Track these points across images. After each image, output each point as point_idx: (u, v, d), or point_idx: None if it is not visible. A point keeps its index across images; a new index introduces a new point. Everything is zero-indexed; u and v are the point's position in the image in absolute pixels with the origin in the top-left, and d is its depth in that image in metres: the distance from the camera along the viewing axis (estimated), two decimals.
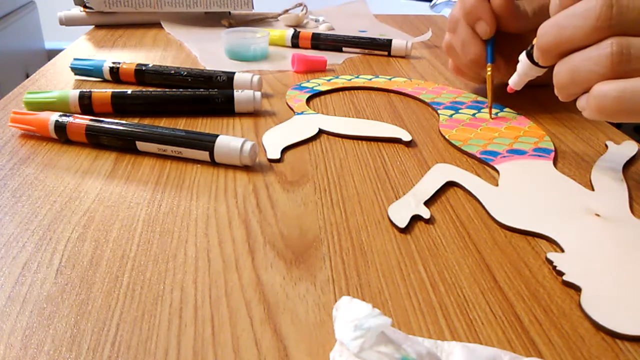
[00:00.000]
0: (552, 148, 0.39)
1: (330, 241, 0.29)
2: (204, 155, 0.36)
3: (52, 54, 0.65)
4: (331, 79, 0.52)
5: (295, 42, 0.63)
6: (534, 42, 0.35)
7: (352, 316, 0.20)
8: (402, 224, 0.30)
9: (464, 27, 0.44)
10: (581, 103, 0.31)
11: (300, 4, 0.75)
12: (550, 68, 0.34)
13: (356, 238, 0.29)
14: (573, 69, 0.31)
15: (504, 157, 0.37)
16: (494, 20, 0.42)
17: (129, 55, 0.60)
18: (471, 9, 0.43)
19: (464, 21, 0.44)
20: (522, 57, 0.38)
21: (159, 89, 0.45)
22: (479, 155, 0.38)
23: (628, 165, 0.37)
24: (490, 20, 0.42)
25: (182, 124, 0.42)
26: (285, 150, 0.38)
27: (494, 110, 0.45)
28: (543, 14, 0.39)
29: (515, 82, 0.40)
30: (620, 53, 0.28)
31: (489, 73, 0.44)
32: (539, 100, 0.48)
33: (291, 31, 0.63)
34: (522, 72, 0.38)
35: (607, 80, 0.29)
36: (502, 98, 0.48)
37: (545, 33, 0.32)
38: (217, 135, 0.36)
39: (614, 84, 0.29)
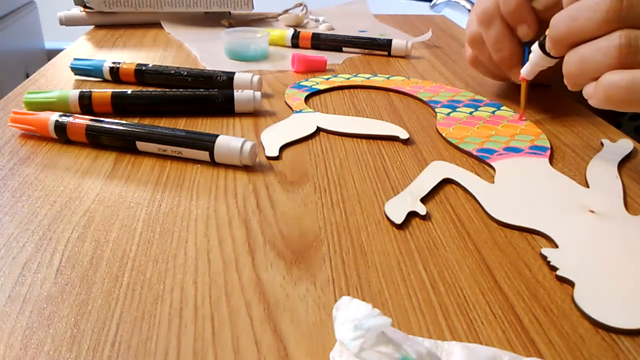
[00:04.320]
0: (548, 146, 0.39)
1: (330, 241, 0.29)
2: (204, 155, 0.36)
3: (52, 54, 0.65)
4: (329, 78, 0.52)
5: (295, 42, 0.63)
6: (547, 32, 0.36)
7: (352, 316, 0.20)
8: (399, 220, 0.30)
9: (500, 24, 0.42)
10: (588, 91, 0.32)
11: (300, 4, 0.75)
12: (554, 66, 0.34)
13: (356, 238, 0.29)
14: (582, 59, 0.32)
15: (500, 154, 0.38)
16: (536, 24, 0.41)
17: (129, 55, 0.60)
18: (514, 10, 0.41)
19: (501, 18, 0.42)
20: (535, 47, 0.39)
21: (159, 89, 0.45)
22: (475, 153, 0.38)
23: (623, 162, 0.38)
24: (533, 24, 0.41)
25: (182, 124, 0.42)
26: (284, 149, 0.38)
27: (490, 109, 0.45)
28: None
29: (527, 71, 0.41)
30: (629, 45, 0.29)
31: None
32: (538, 99, 0.48)
33: (291, 31, 0.63)
34: (535, 62, 0.39)
35: (617, 70, 0.30)
36: (500, 97, 0.48)
37: (557, 24, 0.33)
38: (217, 135, 0.36)
39: (624, 73, 0.30)
